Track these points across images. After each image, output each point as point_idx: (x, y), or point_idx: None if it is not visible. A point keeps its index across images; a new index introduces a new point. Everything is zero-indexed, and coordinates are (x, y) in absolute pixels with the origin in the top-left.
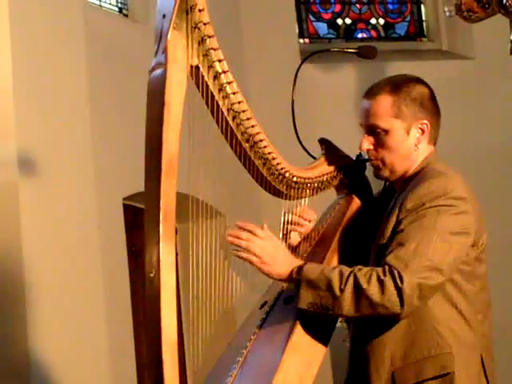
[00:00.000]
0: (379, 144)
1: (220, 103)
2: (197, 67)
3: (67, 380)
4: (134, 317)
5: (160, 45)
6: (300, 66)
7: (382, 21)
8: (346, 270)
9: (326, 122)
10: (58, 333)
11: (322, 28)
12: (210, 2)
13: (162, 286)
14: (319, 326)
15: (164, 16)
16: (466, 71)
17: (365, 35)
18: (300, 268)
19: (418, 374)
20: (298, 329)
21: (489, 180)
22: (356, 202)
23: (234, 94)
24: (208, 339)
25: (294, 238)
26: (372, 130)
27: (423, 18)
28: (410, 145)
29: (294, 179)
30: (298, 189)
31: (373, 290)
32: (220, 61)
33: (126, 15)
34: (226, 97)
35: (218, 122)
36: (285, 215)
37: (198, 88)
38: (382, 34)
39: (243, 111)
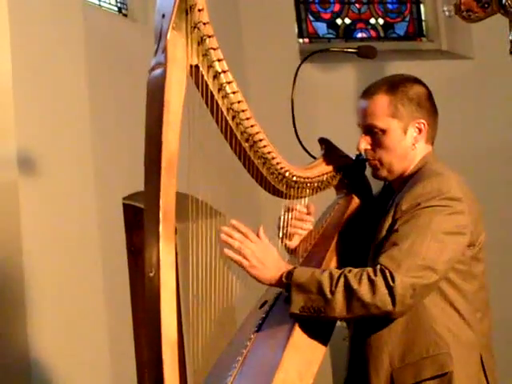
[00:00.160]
0: (376, 144)
1: (219, 103)
2: (196, 67)
3: (67, 380)
4: (134, 316)
5: (159, 44)
6: (299, 65)
7: (381, 21)
8: (336, 271)
9: (325, 121)
10: (57, 333)
11: (322, 28)
12: (210, 1)
13: (161, 285)
14: (319, 325)
15: (163, 16)
16: (465, 71)
17: (364, 35)
18: (290, 273)
19: (417, 374)
20: (298, 328)
21: (489, 180)
22: (355, 202)
23: (233, 93)
24: (208, 338)
25: (294, 239)
26: (369, 129)
27: (423, 18)
28: (407, 144)
29: (294, 179)
30: (298, 188)
31: (364, 291)
32: (219, 60)
33: (126, 15)
34: (226, 96)
35: (217, 122)
36: (285, 214)
37: (198, 87)
38: (382, 33)
39: (243, 111)
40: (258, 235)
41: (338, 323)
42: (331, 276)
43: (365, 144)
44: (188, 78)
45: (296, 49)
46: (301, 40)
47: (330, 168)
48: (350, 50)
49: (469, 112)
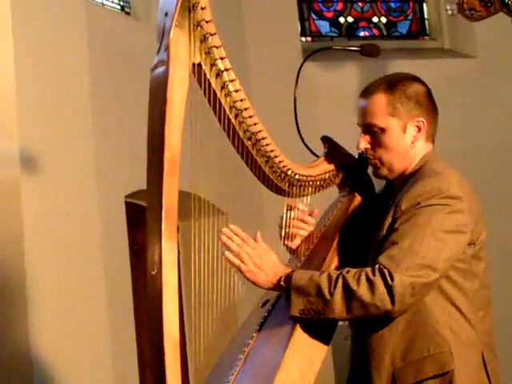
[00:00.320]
0: (376, 143)
1: (222, 101)
2: (199, 65)
3: (69, 379)
4: (136, 315)
5: (162, 43)
6: (302, 64)
7: (384, 19)
8: (335, 272)
9: (328, 119)
10: (59, 331)
11: (324, 26)
12: (212, 0)
13: (163, 283)
14: (321, 324)
15: (166, 14)
16: (468, 70)
17: (367, 33)
18: (288, 276)
19: (418, 373)
20: (300, 327)
21: (490, 178)
22: (358, 200)
23: (236, 91)
24: (210, 337)
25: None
26: (369, 129)
27: (425, 17)
28: (406, 143)
29: (296, 177)
30: (300, 186)
31: (363, 291)
32: (222, 58)
33: (128, 13)
34: (228, 94)
35: (220, 120)
36: (286, 213)
37: (200, 86)
38: (384, 32)
39: (245, 109)
40: (255, 239)
41: (340, 322)
42: (330, 277)
43: (364, 143)
44: (190, 76)
45: (299, 47)
46: (303, 38)
47: (333, 166)
48: (352, 48)
49: (470, 110)
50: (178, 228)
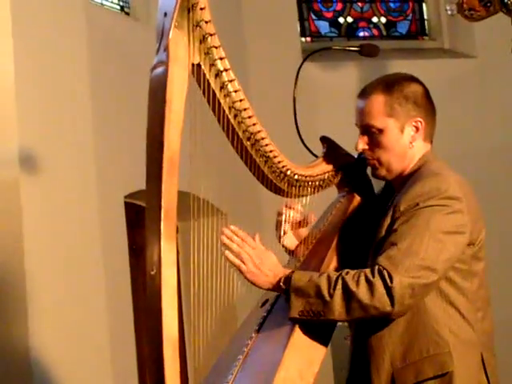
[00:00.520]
0: (374, 143)
1: (221, 101)
2: (198, 65)
3: (69, 379)
4: (135, 314)
5: (161, 43)
6: (302, 64)
7: (383, 19)
8: (334, 274)
9: (327, 120)
10: (59, 331)
11: (324, 26)
12: (212, 0)
13: (163, 283)
14: (320, 324)
15: (165, 14)
16: (467, 70)
17: (366, 34)
18: (288, 278)
19: (418, 374)
20: (299, 327)
21: (490, 179)
22: (357, 201)
23: (235, 92)
24: (209, 337)
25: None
26: (367, 129)
27: (425, 17)
28: (404, 143)
29: (296, 177)
30: (300, 187)
31: (362, 292)
32: (221, 59)
33: (128, 13)
34: (228, 95)
35: (219, 120)
36: (284, 213)
37: (200, 86)
38: (384, 32)
39: (245, 109)
40: (254, 240)
41: (340, 322)
42: (329, 279)
43: (363, 144)
44: (190, 77)
45: (298, 47)
46: (303, 38)
47: (332, 167)
48: (352, 48)
49: (470, 111)
50: (177, 228)
